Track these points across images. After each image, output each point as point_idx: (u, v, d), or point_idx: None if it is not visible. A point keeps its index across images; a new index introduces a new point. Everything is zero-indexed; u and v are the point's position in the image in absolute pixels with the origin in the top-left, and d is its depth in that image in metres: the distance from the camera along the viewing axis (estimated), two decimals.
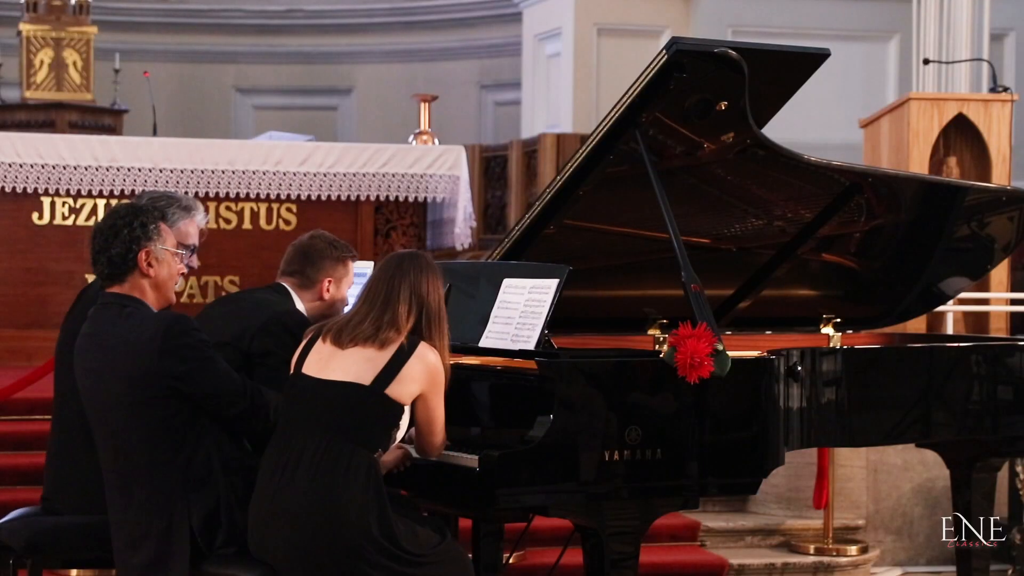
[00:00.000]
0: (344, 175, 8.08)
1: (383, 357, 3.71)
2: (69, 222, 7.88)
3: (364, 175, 8.10)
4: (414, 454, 3.97)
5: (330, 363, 3.75)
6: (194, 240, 4.52)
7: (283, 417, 3.80)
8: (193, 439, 3.84)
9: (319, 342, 3.81)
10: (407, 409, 3.78)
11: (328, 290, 4.46)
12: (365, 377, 3.71)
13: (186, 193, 7.65)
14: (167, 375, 3.79)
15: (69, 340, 4.45)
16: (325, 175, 8.05)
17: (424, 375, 3.75)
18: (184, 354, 3.81)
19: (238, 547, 3.82)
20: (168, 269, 4.00)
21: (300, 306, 4.44)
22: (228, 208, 8.04)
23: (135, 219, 3.95)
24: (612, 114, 4.22)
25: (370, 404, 3.71)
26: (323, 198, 8.07)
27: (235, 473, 3.85)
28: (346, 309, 4.48)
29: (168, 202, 4.51)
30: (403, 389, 3.73)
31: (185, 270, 4.14)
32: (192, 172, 7.91)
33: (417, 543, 3.71)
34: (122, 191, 7.71)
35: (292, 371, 3.85)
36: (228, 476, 3.85)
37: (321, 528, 3.63)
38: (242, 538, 3.81)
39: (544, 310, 4.03)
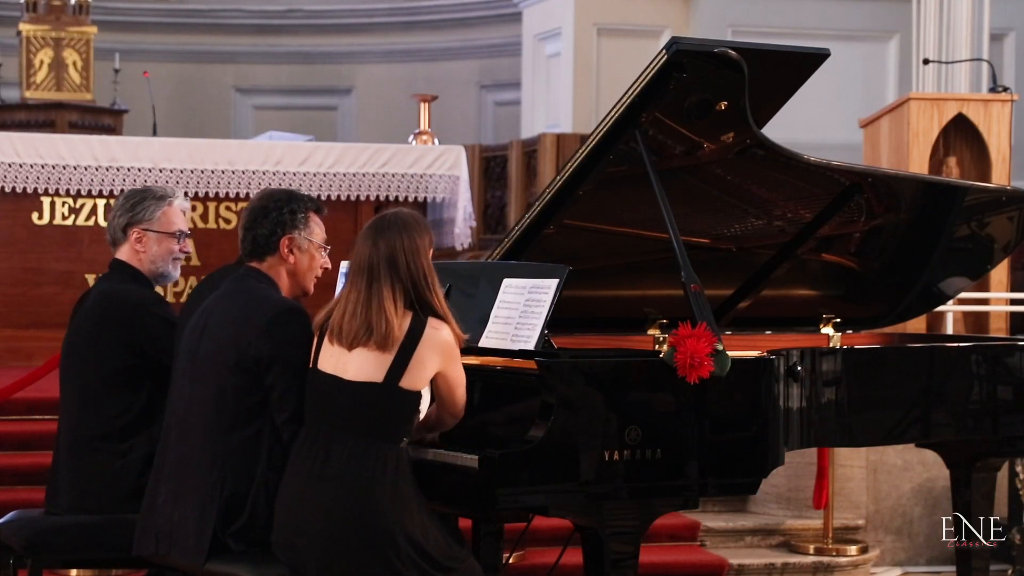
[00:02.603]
0: (344, 175, 8.08)
1: (389, 352, 3.71)
2: (69, 222, 7.87)
3: (364, 175, 8.10)
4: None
5: (341, 361, 3.76)
6: (180, 226, 4.50)
7: (309, 412, 3.81)
8: (253, 425, 3.84)
9: (326, 343, 3.81)
10: (426, 391, 3.79)
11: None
12: (377, 375, 3.71)
13: (186, 194, 7.82)
14: (256, 354, 3.81)
15: (73, 339, 4.45)
16: (325, 175, 8.05)
17: (437, 354, 3.75)
18: (277, 341, 3.82)
19: (248, 544, 3.81)
20: (309, 260, 4.04)
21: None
22: (228, 208, 8.03)
23: (286, 205, 4.00)
24: (612, 114, 4.22)
25: (387, 400, 3.72)
26: (323, 198, 8.04)
27: (275, 471, 3.83)
28: None
29: (143, 196, 4.49)
30: (416, 377, 3.73)
31: (329, 265, 4.15)
32: (192, 172, 7.90)
33: (445, 549, 3.72)
34: (122, 191, 7.69)
35: (310, 366, 3.86)
36: (268, 472, 3.83)
37: (354, 520, 3.63)
38: (257, 533, 3.81)
39: (544, 310, 4.03)
